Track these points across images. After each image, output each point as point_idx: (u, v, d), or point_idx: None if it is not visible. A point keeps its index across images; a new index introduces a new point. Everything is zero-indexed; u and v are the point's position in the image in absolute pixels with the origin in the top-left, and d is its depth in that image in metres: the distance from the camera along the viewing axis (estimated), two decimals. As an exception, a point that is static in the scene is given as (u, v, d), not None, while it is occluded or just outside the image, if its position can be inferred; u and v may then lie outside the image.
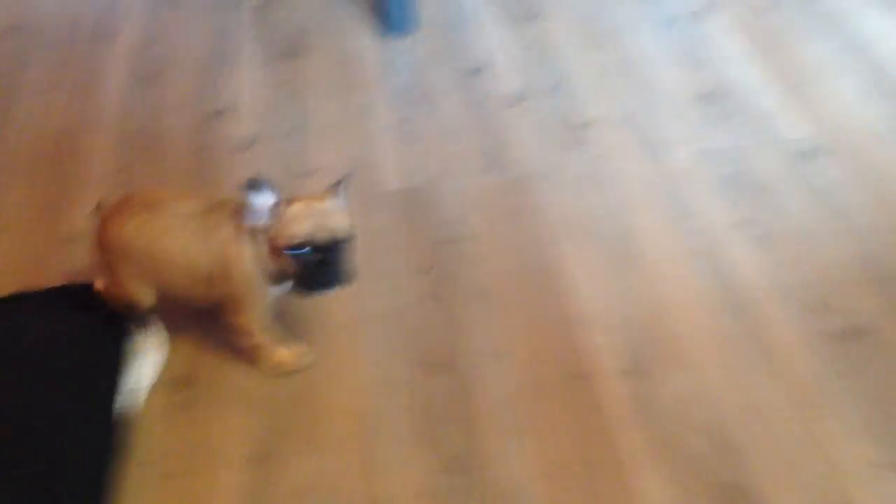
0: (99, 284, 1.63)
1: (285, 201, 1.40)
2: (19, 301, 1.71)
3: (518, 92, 2.27)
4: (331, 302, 1.72)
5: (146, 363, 1.62)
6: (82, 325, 1.61)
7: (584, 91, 2.25)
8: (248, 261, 1.43)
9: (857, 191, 1.92)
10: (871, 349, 1.61)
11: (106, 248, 1.52)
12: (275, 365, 1.62)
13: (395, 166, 2.07)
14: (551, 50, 2.40)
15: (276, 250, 1.39)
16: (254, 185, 1.37)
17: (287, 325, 1.67)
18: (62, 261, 1.87)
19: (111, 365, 1.56)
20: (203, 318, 1.65)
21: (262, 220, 1.40)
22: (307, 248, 1.38)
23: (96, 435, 1.47)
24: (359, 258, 1.60)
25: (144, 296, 1.57)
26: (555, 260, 1.82)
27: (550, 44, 2.42)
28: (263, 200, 1.39)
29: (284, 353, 1.62)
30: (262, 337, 1.57)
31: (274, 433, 1.55)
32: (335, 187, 1.44)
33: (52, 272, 1.83)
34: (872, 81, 2.19)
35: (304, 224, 1.37)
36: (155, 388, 1.62)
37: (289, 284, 1.46)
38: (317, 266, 1.39)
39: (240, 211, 1.42)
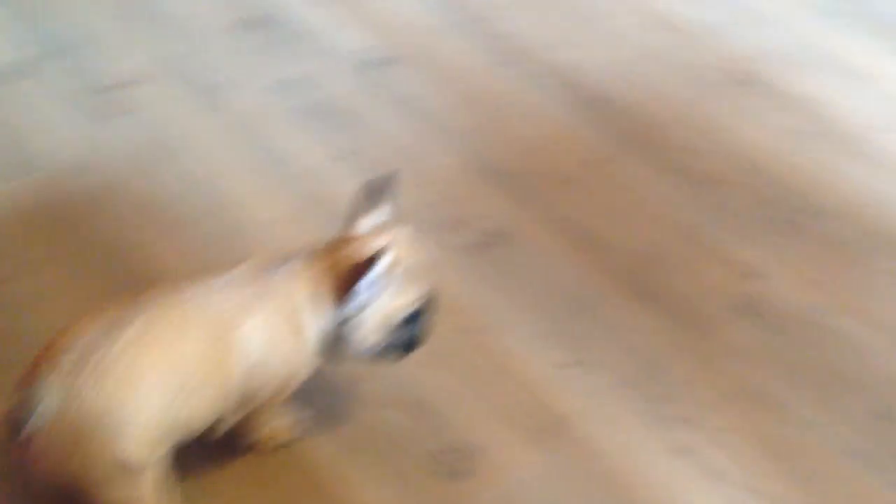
0: None
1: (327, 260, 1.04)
2: None
3: (11, 65, 1.75)
4: None
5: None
6: None
7: (103, 47, 1.81)
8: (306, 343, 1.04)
9: (440, 95, 1.79)
10: (515, 249, 1.49)
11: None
12: (271, 438, 1.17)
13: None
14: (45, 5, 1.90)
15: (381, 324, 1.04)
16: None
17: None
18: None
19: None
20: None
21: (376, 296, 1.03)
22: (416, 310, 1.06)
23: None
24: None
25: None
26: (144, 263, 1.41)
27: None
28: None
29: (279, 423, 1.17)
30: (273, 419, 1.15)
31: None
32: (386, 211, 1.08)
33: None
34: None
35: (412, 285, 1.04)
36: None
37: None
38: (417, 324, 1.08)
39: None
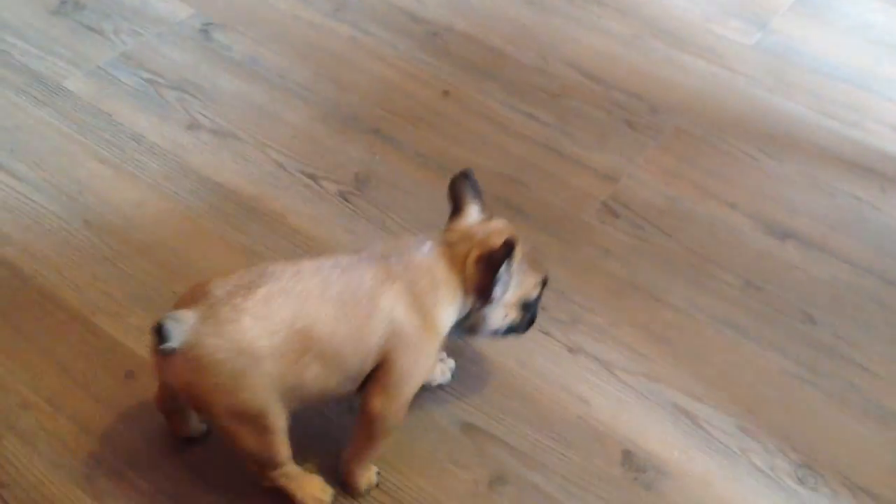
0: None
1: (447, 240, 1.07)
2: None
3: None
4: None
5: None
6: None
7: None
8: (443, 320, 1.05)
9: (278, 53, 1.74)
10: (385, 189, 1.49)
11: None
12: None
13: None
14: None
15: (515, 306, 1.10)
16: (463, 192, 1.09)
17: None
18: None
19: None
20: None
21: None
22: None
23: None
24: None
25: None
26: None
27: None
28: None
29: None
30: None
31: None
32: (475, 197, 1.10)
33: None
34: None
35: (533, 269, 1.09)
36: None
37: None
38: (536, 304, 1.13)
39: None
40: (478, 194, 1.10)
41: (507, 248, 1.02)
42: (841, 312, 1.34)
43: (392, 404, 1.04)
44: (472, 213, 1.09)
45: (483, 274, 1.03)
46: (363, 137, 1.58)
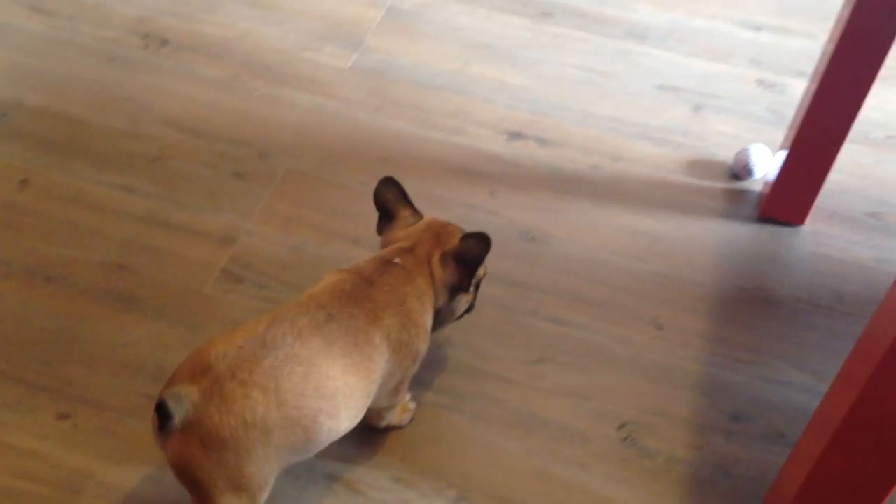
0: None
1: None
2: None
3: None
4: None
5: None
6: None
7: None
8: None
9: None
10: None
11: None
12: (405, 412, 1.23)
13: None
14: None
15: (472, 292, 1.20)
16: None
17: None
18: None
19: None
20: None
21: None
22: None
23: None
24: None
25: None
26: None
27: None
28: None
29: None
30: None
31: None
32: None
33: None
34: None
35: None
36: None
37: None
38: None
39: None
40: (405, 197, 1.17)
41: (486, 243, 1.10)
42: (474, 327, 1.36)
43: (394, 403, 1.15)
44: (406, 217, 1.16)
45: (461, 272, 1.13)
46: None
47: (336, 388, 0.98)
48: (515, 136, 1.67)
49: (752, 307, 1.41)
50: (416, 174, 1.58)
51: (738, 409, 1.29)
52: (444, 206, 1.53)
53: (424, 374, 1.29)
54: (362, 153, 1.62)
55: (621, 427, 1.26)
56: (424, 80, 1.77)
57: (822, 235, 1.52)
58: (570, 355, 1.34)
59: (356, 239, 1.47)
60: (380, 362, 1.04)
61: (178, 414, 0.91)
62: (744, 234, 1.52)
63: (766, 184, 1.56)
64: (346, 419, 1.02)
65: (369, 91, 1.74)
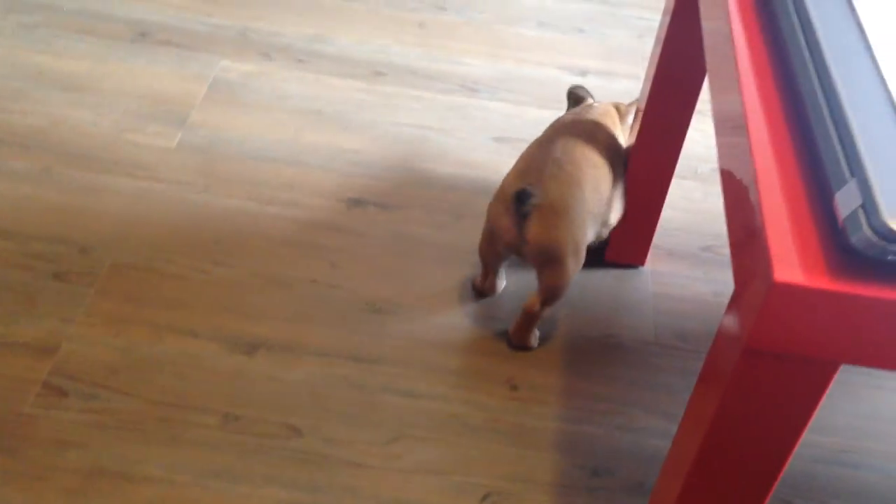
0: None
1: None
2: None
3: None
4: None
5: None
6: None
7: None
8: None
9: None
10: None
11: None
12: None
13: None
14: None
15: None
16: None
17: None
18: None
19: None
20: None
21: None
22: None
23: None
24: None
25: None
26: None
27: None
28: None
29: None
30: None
31: None
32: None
33: None
34: None
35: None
36: None
37: None
38: None
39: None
40: (589, 93, 1.53)
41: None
42: (324, 412, 1.30)
43: (610, 223, 1.46)
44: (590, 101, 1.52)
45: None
46: None
47: (603, 174, 1.35)
48: (354, 202, 1.63)
49: (603, 355, 1.41)
50: (251, 253, 1.51)
51: (597, 464, 1.27)
52: (283, 284, 1.47)
53: (270, 470, 1.21)
54: (194, 238, 1.54)
55: (484, 499, 1.22)
56: (255, 153, 1.71)
57: (662, 274, 1.54)
58: (426, 429, 1.29)
59: (194, 332, 1.38)
60: (618, 163, 1.42)
61: (536, 195, 1.26)
62: (590, 281, 1.52)
63: (604, 228, 1.57)
64: (606, 198, 1.38)
65: (197, 170, 1.66)
